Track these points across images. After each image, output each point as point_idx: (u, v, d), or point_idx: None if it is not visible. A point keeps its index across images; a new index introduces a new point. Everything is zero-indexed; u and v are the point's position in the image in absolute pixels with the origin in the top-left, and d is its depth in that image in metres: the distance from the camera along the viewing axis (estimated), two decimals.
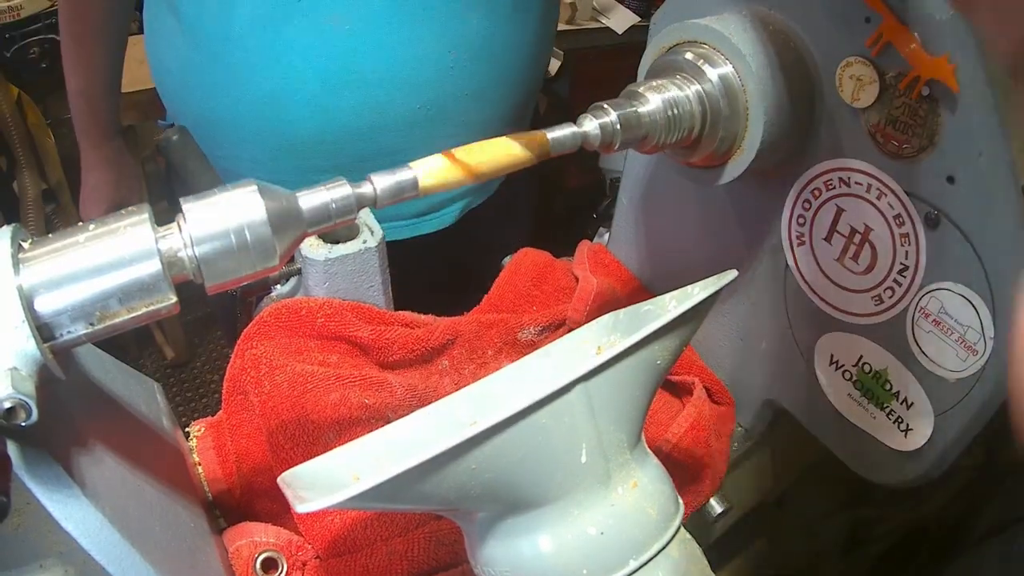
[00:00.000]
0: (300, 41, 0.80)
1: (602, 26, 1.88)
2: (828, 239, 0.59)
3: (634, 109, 0.52)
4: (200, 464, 0.61)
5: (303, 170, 0.88)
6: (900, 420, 0.58)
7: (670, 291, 0.52)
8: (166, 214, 0.40)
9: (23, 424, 0.33)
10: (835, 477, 0.71)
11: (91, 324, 0.37)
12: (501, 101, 0.92)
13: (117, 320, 0.37)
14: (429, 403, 0.55)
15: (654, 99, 0.53)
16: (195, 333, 2.32)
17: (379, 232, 0.65)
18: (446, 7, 0.82)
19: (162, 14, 0.88)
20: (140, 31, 0.98)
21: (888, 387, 0.58)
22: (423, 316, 0.70)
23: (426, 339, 0.68)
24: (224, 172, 0.92)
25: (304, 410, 0.59)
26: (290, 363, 0.60)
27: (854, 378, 0.61)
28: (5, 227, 0.37)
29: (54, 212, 1.93)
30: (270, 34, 0.80)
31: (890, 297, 0.56)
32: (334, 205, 0.41)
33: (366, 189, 0.43)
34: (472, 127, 0.90)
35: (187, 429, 0.63)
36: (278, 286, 0.70)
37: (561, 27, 1.89)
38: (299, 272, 0.67)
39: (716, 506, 0.67)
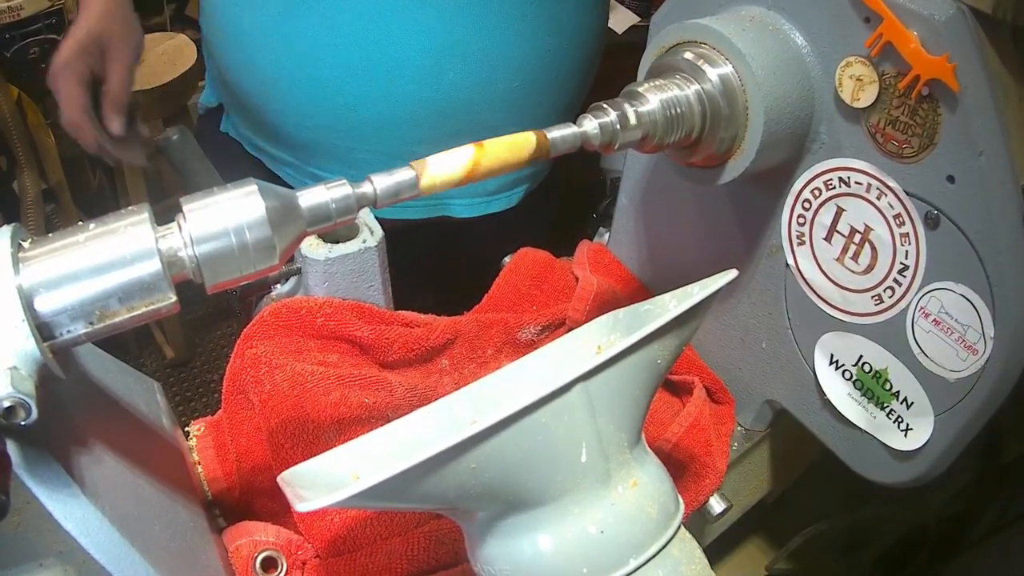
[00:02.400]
0: (407, 13, 0.81)
1: None
2: (828, 239, 0.59)
3: (634, 109, 0.52)
4: (200, 463, 0.61)
5: (406, 142, 0.88)
6: (900, 420, 0.58)
7: (670, 291, 0.52)
8: (166, 214, 0.40)
9: (23, 423, 0.33)
10: (835, 477, 0.71)
11: (91, 323, 0.37)
12: (578, 88, 0.96)
13: (117, 319, 0.37)
14: (429, 402, 0.55)
15: (654, 99, 0.53)
16: (195, 332, 2.32)
17: (379, 232, 0.65)
18: (544, 24, 0.85)
19: None
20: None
21: (888, 387, 0.58)
22: (423, 316, 0.70)
23: (426, 339, 0.68)
24: (291, 144, 0.91)
25: (304, 409, 0.59)
26: (290, 363, 0.60)
27: (854, 378, 0.61)
28: (5, 227, 0.37)
29: (54, 212, 1.93)
30: (376, 5, 0.81)
31: (890, 297, 0.56)
32: (334, 205, 0.41)
33: (366, 189, 0.43)
34: (557, 110, 0.94)
35: (187, 428, 0.63)
36: (278, 286, 0.70)
37: None
38: (299, 272, 0.67)
39: (716, 505, 0.67)
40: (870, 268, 0.57)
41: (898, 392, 0.58)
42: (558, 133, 0.49)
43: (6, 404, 0.33)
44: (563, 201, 1.18)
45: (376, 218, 0.67)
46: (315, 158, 0.93)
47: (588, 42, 0.93)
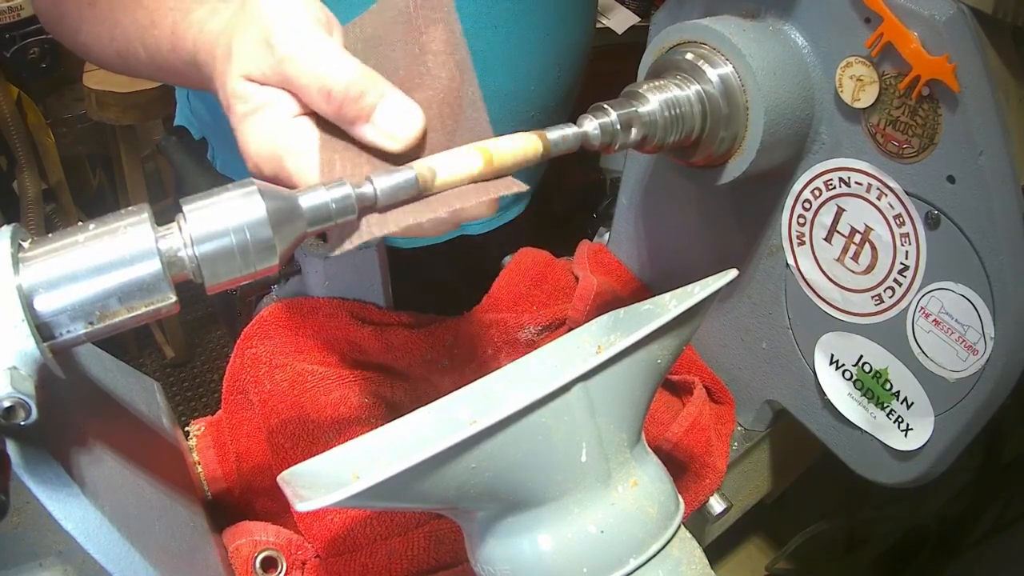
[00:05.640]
0: None
1: (602, 26, 1.87)
2: (828, 239, 0.59)
3: (634, 109, 0.52)
4: (200, 463, 0.61)
5: None
6: (900, 420, 0.58)
7: (670, 291, 0.52)
8: (167, 213, 0.40)
9: (22, 423, 0.33)
10: (835, 477, 0.71)
11: (91, 323, 0.37)
12: (573, 102, 0.95)
13: (117, 319, 0.37)
14: (429, 402, 0.55)
15: (654, 99, 0.53)
16: (195, 332, 2.32)
17: None
18: (559, 27, 0.84)
19: None
20: None
21: (888, 387, 0.58)
22: (423, 315, 0.70)
23: (426, 338, 0.68)
24: None
25: (304, 409, 0.59)
26: (290, 362, 0.60)
27: (854, 378, 0.61)
28: (5, 227, 0.37)
29: (54, 212, 1.93)
30: None
31: (890, 297, 0.56)
32: (334, 205, 0.41)
33: (366, 189, 0.43)
34: (548, 106, 0.94)
35: (187, 428, 0.63)
36: (278, 286, 0.70)
37: None
38: (299, 272, 0.67)
39: (716, 505, 0.67)
40: (870, 268, 0.57)
41: (898, 392, 0.58)
42: (558, 133, 0.49)
43: (6, 404, 0.33)
44: (563, 201, 1.17)
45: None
46: None
47: (585, 58, 0.92)
